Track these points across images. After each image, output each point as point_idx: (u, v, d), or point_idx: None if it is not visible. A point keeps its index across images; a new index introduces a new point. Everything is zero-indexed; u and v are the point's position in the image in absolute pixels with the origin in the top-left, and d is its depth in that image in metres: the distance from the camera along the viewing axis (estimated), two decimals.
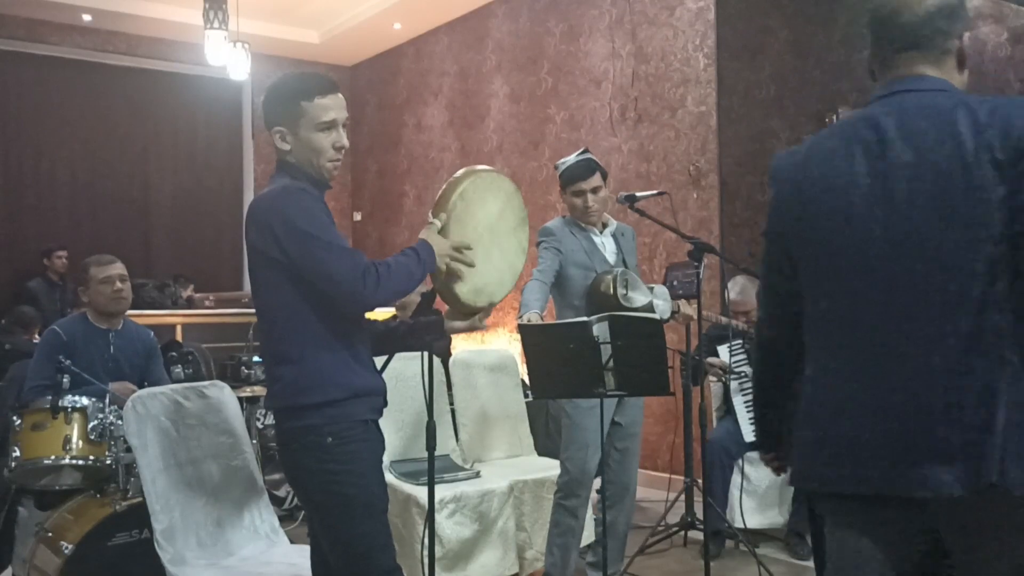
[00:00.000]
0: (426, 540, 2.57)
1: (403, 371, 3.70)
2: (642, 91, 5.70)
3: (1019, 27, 6.25)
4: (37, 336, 5.72)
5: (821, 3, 5.74)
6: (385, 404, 2.22)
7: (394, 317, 3.39)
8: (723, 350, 4.22)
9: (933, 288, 1.45)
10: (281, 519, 3.22)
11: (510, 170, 6.65)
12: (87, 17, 7.52)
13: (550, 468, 3.76)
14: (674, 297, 4.48)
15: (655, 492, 5.20)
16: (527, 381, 3.14)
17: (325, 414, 2.08)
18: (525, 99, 6.71)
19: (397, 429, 3.75)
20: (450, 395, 4.19)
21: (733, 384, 4.19)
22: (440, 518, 3.38)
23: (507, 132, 6.90)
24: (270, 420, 5.05)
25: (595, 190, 3.31)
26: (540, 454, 4.25)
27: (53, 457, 3.06)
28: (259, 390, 4.74)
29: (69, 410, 3.09)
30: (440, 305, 2.31)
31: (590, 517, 3.57)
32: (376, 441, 2.20)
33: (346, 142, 2.17)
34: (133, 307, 3.69)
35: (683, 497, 4.04)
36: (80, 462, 3.08)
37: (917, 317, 1.46)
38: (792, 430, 1.63)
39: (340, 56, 8.59)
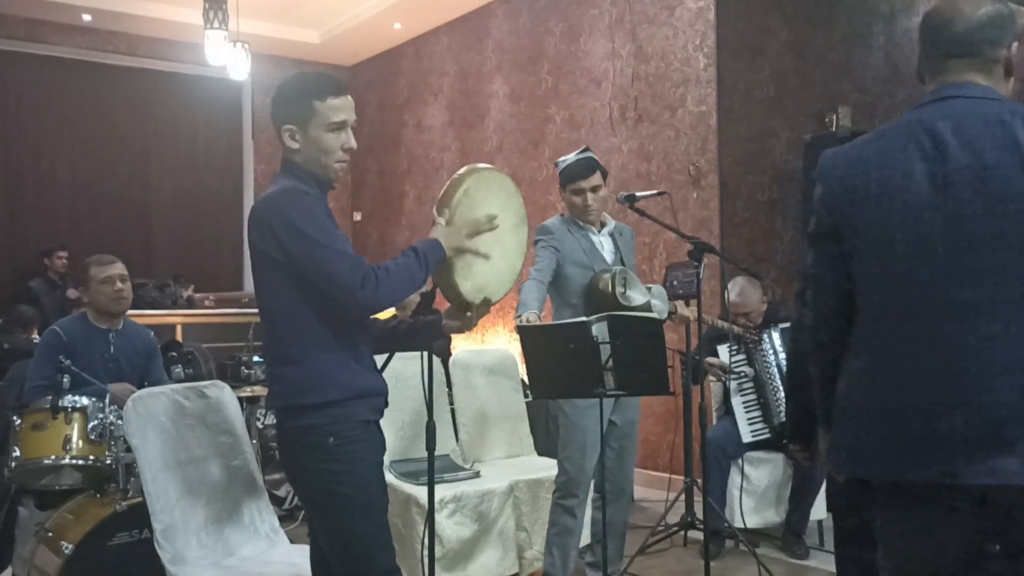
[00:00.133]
0: (426, 540, 2.58)
1: (403, 371, 3.70)
2: (642, 91, 5.70)
3: (1019, 27, 6.24)
4: (37, 335, 5.71)
5: (821, 3, 5.74)
6: (386, 404, 2.23)
7: (394, 317, 3.40)
8: (723, 350, 4.22)
9: (995, 288, 1.52)
10: (281, 519, 3.22)
11: (510, 170, 6.65)
12: (87, 17, 7.52)
13: (550, 468, 3.76)
14: (674, 297, 4.48)
15: (655, 492, 5.20)
16: (527, 381, 3.14)
17: (326, 414, 2.08)
18: (525, 99, 6.71)
19: (397, 429, 3.75)
20: (450, 395, 4.19)
21: (732, 384, 4.19)
22: (440, 518, 3.38)
23: (507, 132, 6.90)
24: (270, 420, 5.05)
25: (595, 189, 3.31)
26: (540, 454, 4.25)
27: (53, 457, 3.06)
28: (259, 390, 4.74)
29: (69, 410, 3.09)
30: (440, 305, 2.31)
31: (588, 517, 3.57)
32: (377, 441, 2.20)
33: (354, 143, 2.18)
34: (133, 307, 3.69)
35: (683, 497, 4.04)
36: (80, 462, 3.09)
37: (980, 316, 1.53)
38: (839, 422, 1.69)
39: (340, 56, 8.59)
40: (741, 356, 4.21)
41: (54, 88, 7.77)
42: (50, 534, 3.02)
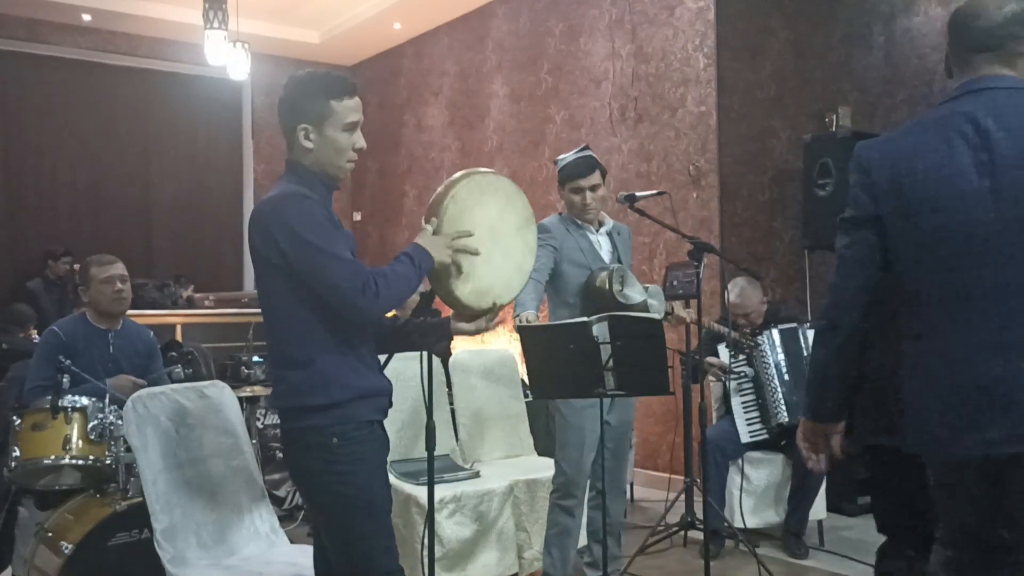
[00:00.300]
0: (426, 540, 2.57)
1: (403, 371, 3.70)
2: (642, 91, 5.70)
3: None
4: (36, 334, 5.71)
5: (821, 3, 5.74)
6: (390, 404, 2.23)
7: (395, 316, 3.40)
8: (723, 350, 4.23)
9: None
10: (281, 519, 3.23)
11: (510, 170, 6.65)
12: (87, 17, 7.52)
13: (550, 468, 3.75)
14: (675, 297, 4.49)
15: (655, 492, 5.20)
16: (527, 381, 3.14)
17: (331, 415, 2.08)
18: (525, 99, 6.71)
19: (397, 429, 3.75)
20: (450, 395, 4.19)
21: (732, 384, 4.19)
22: (440, 518, 3.38)
23: (507, 132, 6.90)
24: (270, 420, 5.06)
25: (594, 188, 3.31)
26: (540, 454, 4.25)
27: (53, 457, 3.06)
28: (259, 390, 4.74)
29: (69, 410, 3.09)
30: (439, 304, 2.31)
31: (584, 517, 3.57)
32: (380, 442, 2.20)
33: (364, 143, 2.18)
34: (133, 307, 3.70)
35: (683, 497, 4.04)
36: (80, 462, 3.08)
37: None
38: (915, 404, 1.80)
39: (340, 56, 8.59)
40: (741, 356, 4.21)
41: (54, 88, 7.77)
42: (50, 534, 3.02)
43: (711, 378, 4.30)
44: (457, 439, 4.06)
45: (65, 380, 3.16)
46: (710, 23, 5.27)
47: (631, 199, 3.50)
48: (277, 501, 4.69)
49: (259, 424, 4.94)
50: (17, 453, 3.08)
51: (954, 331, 1.74)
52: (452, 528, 3.46)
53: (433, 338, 2.36)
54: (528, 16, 6.67)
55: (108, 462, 3.10)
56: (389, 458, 2.30)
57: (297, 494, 4.81)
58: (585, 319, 2.82)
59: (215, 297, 7.08)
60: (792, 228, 5.50)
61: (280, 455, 4.95)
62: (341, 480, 2.09)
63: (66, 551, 2.87)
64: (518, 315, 3.06)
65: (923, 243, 1.76)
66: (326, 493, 2.11)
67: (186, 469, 2.87)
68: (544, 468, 3.86)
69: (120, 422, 3.04)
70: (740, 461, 4.15)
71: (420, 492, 3.38)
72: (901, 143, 1.80)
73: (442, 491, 3.36)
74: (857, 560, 3.95)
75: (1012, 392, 1.68)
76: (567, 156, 3.38)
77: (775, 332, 4.16)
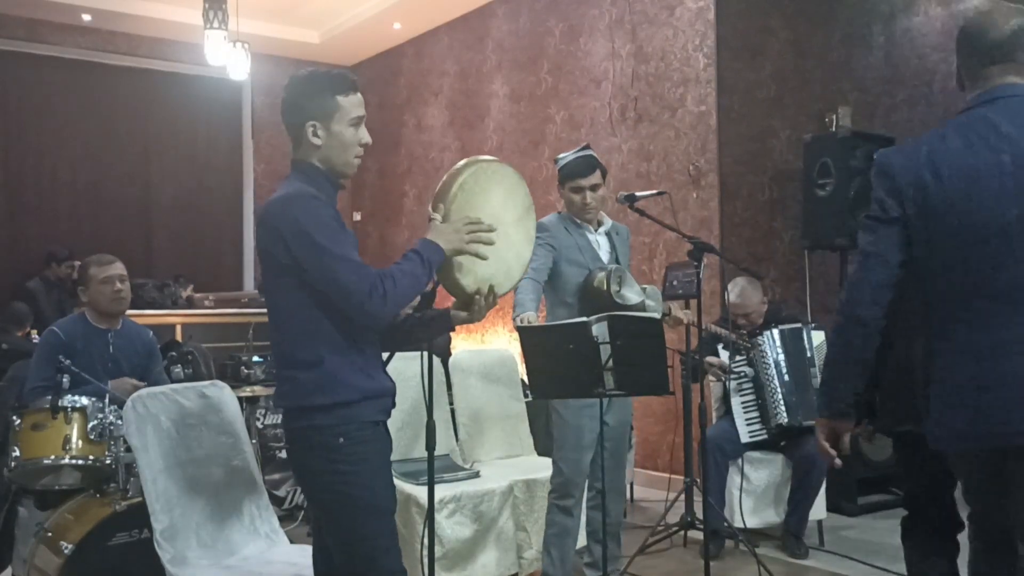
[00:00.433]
0: (426, 540, 2.57)
1: (403, 371, 3.69)
2: (642, 91, 5.70)
3: None
4: (35, 334, 5.71)
5: (821, 3, 5.74)
6: (393, 404, 2.23)
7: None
8: (723, 349, 4.22)
9: None
10: (281, 519, 3.22)
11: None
12: (87, 17, 7.52)
13: (549, 468, 3.75)
14: (675, 297, 4.49)
15: (655, 492, 5.20)
16: (527, 381, 3.14)
17: (336, 415, 2.08)
18: (525, 99, 6.71)
19: (397, 429, 3.75)
20: (450, 395, 4.19)
21: (732, 384, 4.19)
22: (440, 518, 3.38)
23: (507, 132, 6.90)
24: (270, 420, 5.06)
25: (594, 188, 3.30)
26: (540, 454, 4.25)
27: (53, 457, 3.06)
28: (259, 390, 4.74)
29: (69, 410, 3.09)
30: (439, 304, 2.31)
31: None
32: (385, 442, 2.20)
33: (369, 138, 2.19)
34: (133, 307, 3.69)
35: (683, 497, 4.04)
36: (80, 462, 3.08)
37: None
38: (946, 400, 1.88)
39: (340, 56, 8.59)
40: (741, 356, 4.20)
41: (54, 88, 7.76)
42: (50, 534, 3.02)
43: (711, 378, 4.30)
44: (457, 439, 4.06)
45: (65, 380, 3.16)
46: (710, 23, 5.26)
47: (631, 199, 3.50)
48: (277, 501, 4.69)
49: (259, 424, 4.94)
50: (17, 453, 3.08)
51: (977, 328, 1.82)
52: (452, 528, 3.45)
53: (435, 330, 2.35)
54: (528, 16, 6.67)
55: (108, 462, 3.10)
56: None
57: (297, 494, 4.81)
58: (585, 319, 2.82)
59: (215, 297, 7.07)
60: (792, 228, 5.50)
61: (280, 455, 4.95)
62: (345, 480, 2.09)
63: (66, 551, 2.87)
64: (518, 315, 3.06)
65: (947, 243, 1.84)
66: (330, 493, 2.11)
67: (186, 469, 2.87)
68: (544, 468, 3.85)
69: (120, 422, 3.04)
70: (740, 461, 4.15)
71: (420, 492, 3.37)
72: (923, 149, 1.89)
73: (442, 491, 3.36)
74: (857, 560, 3.95)
75: None
76: (568, 155, 3.38)
77: (775, 332, 4.16)
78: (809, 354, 4.14)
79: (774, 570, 3.71)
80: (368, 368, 2.14)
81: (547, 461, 3.96)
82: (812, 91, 5.65)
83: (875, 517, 4.78)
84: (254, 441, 4.22)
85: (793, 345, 4.16)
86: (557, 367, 2.86)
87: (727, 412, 4.28)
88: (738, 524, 4.00)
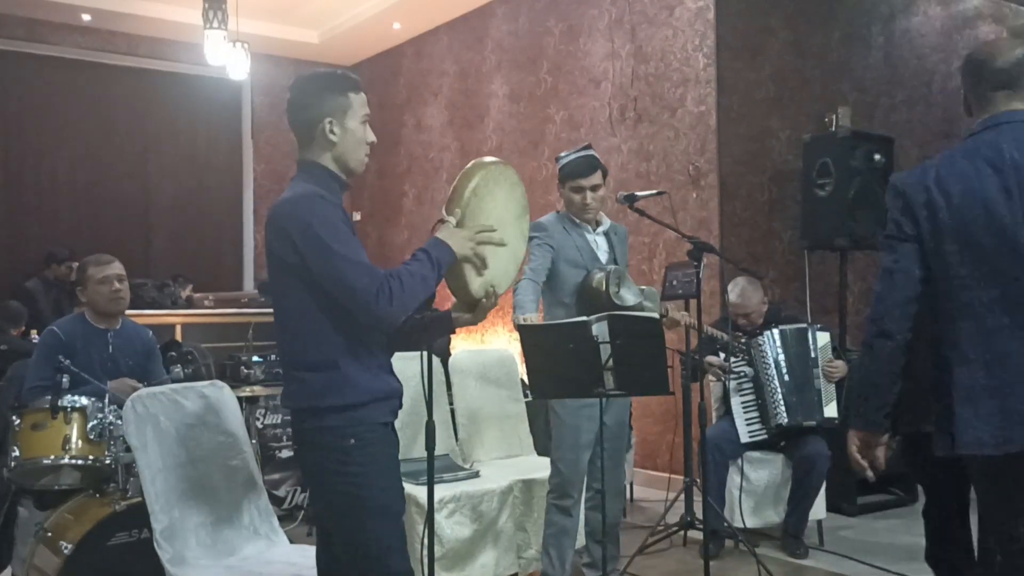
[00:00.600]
0: (426, 540, 2.57)
1: (403, 371, 3.65)
2: (642, 91, 5.70)
3: (1019, 27, 6.24)
4: (35, 334, 5.70)
5: (821, 3, 5.74)
6: (401, 406, 2.23)
7: None
8: (720, 351, 4.22)
9: None
10: (281, 519, 3.22)
11: None
12: (87, 17, 7.52)
13: (549, 468, 3.76)
14: (674, 297, 4.49)
15: (654, 492, 5.20)
16: (527, 381, 3.14)
17: (346, 417, 2.08)
18: (525, 99, 6.71)
19: (397, 429, 3.74)
20: (449, 395, 4.19)
21: (731, 384, 4.19)
22: (439, 518, 3.38)
23: (507, 132, 6.90)
24: (270, 420, 5.06)
25: (594, 188, 3.30)
26: (540, 454, 4.25)
27: (52, 457, 3.05)
28: (259, 390, 4.74)
29: (68, 410, 3.08)
30: (439, 304, 2.31)
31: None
32: (393, 444, 2.21)
33: (374, 137, 2.22)
34: (132, 307, 3.69)
35: (682, 497, 4.04)
36: (79, 462, 3.08)
37: None
38: (971, 406, 1.97)
39: (340, 56, 8.58)
40: (737, 358, 4.20)
41: (54, 88, 7.76)
42: (49, 534, 3.02)
43: (711, 378, 4.30)
44: (456, 439, 4.06)
45: (65, 380, 3.16)
46: (710, 23, 5.27)
47: (631, 199, 3.50)
48: (277, 501, 4.68)
49: (259, 424, 4.94)
50: (16, 453, 3.08)
51: (989, 340, 1.95)
52: (451, 528, 3.45)
53: (436, 332, 2.35)
54: (528, 16, 6.67)
55: (108, 462, 3.10)
56: None
57: (297, 494, 4.81)
58: (585, 319, 2.82)
59: (215, 297, 7.07)
60: (791, 228, 5.50)
61: (280, 455, 4.95)
62: (355, 481, 2.09)
63: (65, 551, 2.87)
64: (517, 315, 3.06)
65: (958, 262, 1.98)
66: (339, 494, 2.11)
67: (186, 469, 2.86)
68: (543, 468, 3.85)
69: (119, 422, 3.04)
70: (740, 461, 4.15)
71: (420, 492, 3.37)
72: (934, 172, 2.02)
73: (441, 491, 3.36)
74: (857, 560, 3.95)
75: None
76: (569, 154, 3.37)
77: (776, 332, 4.16)
78: (813, 355, 4.14)
79: (774, 570, 3.71)
80: (377, 369, 2.14)
81: (547, 461, 3.96)
82: (812, 91, 5.65)
83: (875, 517, 4.78)
84: (254, 441, 4.22)
85: (796, 345, 4.15)
86: (557, 367, 2.86)
87: (727, 412, 4.28)
88: (738, 524, 4.00)
